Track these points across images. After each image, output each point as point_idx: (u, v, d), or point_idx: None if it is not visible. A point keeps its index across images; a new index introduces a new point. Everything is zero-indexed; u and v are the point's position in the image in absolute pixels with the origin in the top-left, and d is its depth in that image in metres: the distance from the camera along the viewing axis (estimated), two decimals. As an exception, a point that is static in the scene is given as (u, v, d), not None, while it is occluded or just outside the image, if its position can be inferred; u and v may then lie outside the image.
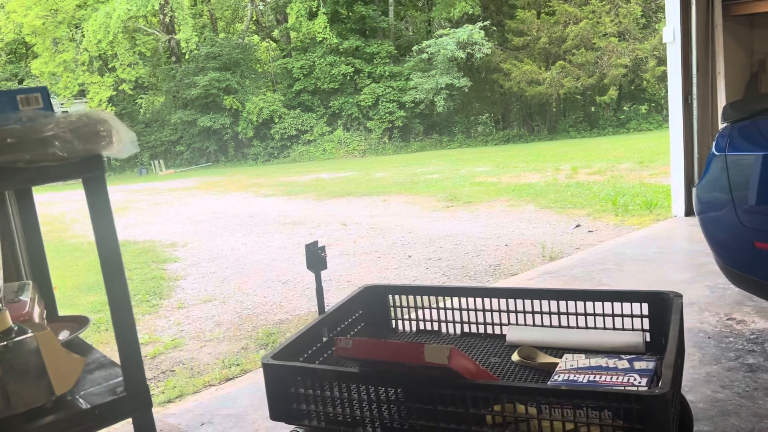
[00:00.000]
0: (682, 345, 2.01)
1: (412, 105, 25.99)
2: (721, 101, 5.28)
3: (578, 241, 5.53)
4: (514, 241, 5.80)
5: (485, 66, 25.37)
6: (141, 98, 30.21)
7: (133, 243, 7.99)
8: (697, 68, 5.28)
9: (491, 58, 24.80)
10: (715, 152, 2.77)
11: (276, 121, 27.48)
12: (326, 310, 2.31)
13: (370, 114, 26.85)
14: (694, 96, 5.27)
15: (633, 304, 2.16)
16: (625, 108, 25.97)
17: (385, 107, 26.41)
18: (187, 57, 28.54)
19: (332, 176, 14.28)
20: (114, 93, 28.72)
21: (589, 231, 5.90)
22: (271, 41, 31.14)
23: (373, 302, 2.46)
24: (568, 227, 6.18)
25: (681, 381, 1.93)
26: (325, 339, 2.18)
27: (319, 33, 26.67)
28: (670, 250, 4.63)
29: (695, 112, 5.30)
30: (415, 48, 26.04)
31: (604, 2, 22.85)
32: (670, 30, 5.24)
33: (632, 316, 2.17)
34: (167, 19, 29.18)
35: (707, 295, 3.59)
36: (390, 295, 2.47)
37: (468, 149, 23.29)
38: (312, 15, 27.26)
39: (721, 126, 2.80)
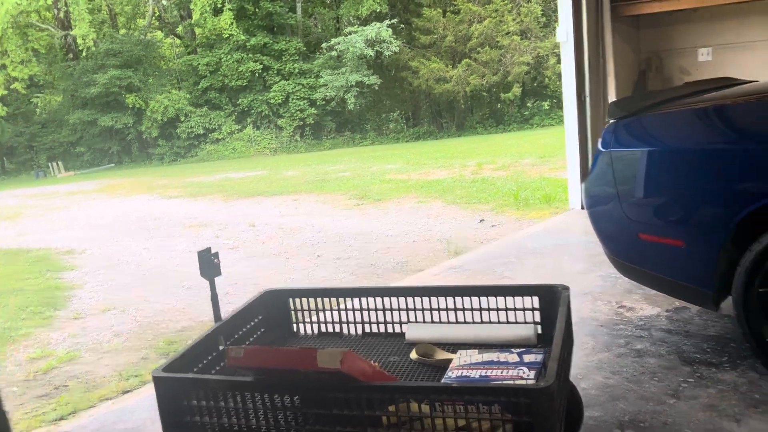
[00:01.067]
0: (570, 336, 2.09)
1: (323, 102, 25.89)
2: (612, 98, 5.55)
3: (482, 235, 5.67)
4: (422, 238, 5.88)
5: (394, 64, 25.63)
6: (36, 97, 28.57)
7: (27, 251, 7.55)
8: (589, 67, 5.52)
9: (400, 56, 25.07)
10: (601, 148, 2.90)
11: (182, 119, 26.68)
12: (224, 317, 2.26)
13: (281, 112, 26.53)
14: (587, 93, 5.51)
15: (525, 297, 2.23)
16: (528, 104, 26.87)
17: (295, 105, 26.17)
18: (84, 54, 27.20)
19: (241, 176, 14.01)
20: (5, 92, 27.00)
21: (492, 225, 6.07)
22: (175, 38, 30.19)
23: (273, 307, 2.42)
24: (473, 222, 6.33)
25: (569, 371, 2.00)
26: (221, 348, 2.12)
27: (225, 29, 26.08)
28: (567, 242, 4.83)
29: (588, 110, 5.55)
30: (324, 45, 25.94)
31: (506, 1, 23.56)
32: (563, 30, 5.45)
33: (524, 309, 2.23)
34: (62, 14, 27.71)
35: (600, 285, 3.75)
36: (290, 299, 2.44)
37: (380, 146, 23.45)
38: (217, 11, 26.63)
39: (607, 123, 2.94)
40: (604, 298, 3.58)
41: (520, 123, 25.35)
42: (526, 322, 2.23)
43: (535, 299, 2.22)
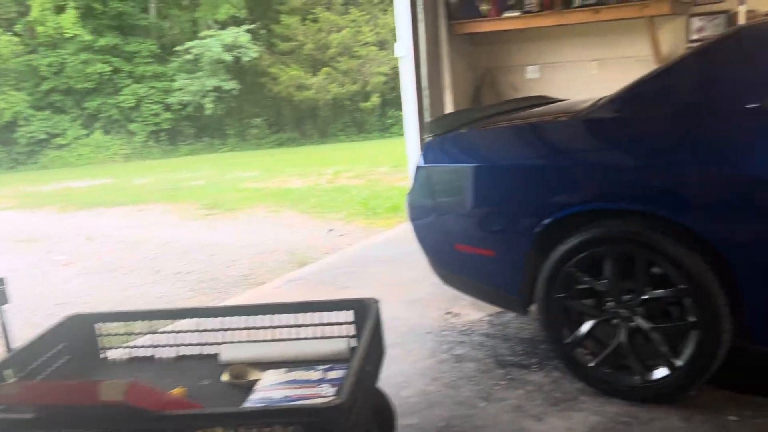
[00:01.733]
0: (379, 348, 2.15)
1: (180, 107, 24.91)
2: (450, 112, 5.80)
3: (329, 245, 5.72)
4: (269, 249, 5.82)
5: (254, 69, 25.21)
6: None
7: None
8: (428, 82, 5.73)
9: (259, 62, 24.72)
10: (420, 164, 3.02)
11: (21, 123, 24.59)
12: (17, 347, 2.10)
13: (133, 116, 25.19)
14: (426, 107, 5.72)
15: (340, 312, 2.27)
16: (389, 113, 27.45)
17: (149, 109, 24.96)
18: None
19: (85, 184, 13.14)
20: None
21: (341, 235, 6.13)
22: (13, 35, 27.80)
23: (79, 333, 2.28)
24: (323, 232, 6.37)
25: (374, 383, 2.05)
26: (13, 381, 1.97)
27: (68, 28, 24.38)
28: (407, 250, 4.94)
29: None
30: (179, 48, 25.00)
31: (363, 12, 23.97)
32: (402, 45, 5.63)
33: (340, 324, 2.27)
34: None
35: (431, 292, 3.88)
36: (98, 324, 2.32)
37: (240, 153, 22.94)
38: (59, 8, 24.84)
39: (427, 139, 3.07)
40: (434, 305, 3.72)
41: (381, 131, 25.83)
42: (341, 337, 2.27)
43: (350, 313, 2.26)
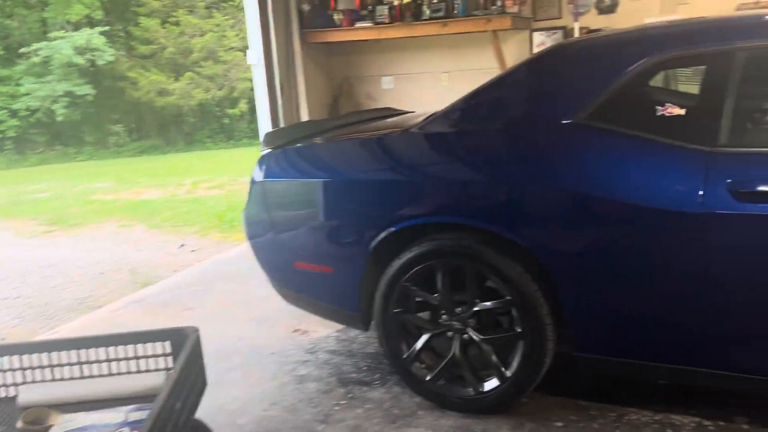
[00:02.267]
0: (198, 380, 2.01)
1: (27, 113, 23.03)
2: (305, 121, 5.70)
3: (179, 262, 5.43)
4: (113, 268, 5.43)
5: (111, 73, 23.83)
6: None
7: None
8: (281, 90, 5.61)
9: (116, 66, 23.39)
10: (254, 179, 2.90)
11: None
12: None
13: (-27, 123, 23.00)
14: (280, 116, 5.60)
15: (157, 343, 2.10)
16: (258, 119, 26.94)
17: (-9, 115, 22.89)
18: None
19: None
20: None
21: (193, 250, 5.85)
22: None
23: None
24: (174, 248, 6.05)
25: (189, 418, 1.91)
26: None
27: None
28: (258, 265, 4.82)
29: (282, 132, 5.62)
30: (25, 50, 23.13)
31: (227, 17, 23.36)
32: (254, 53, 5.47)
33: (156, 356, 2.10)
34: None
35: (281, 309, 3.72)
36: None
37: (98, 162, 21.54)
38: None
39: (264, 152, 2.95)
40: (283, 322, 3.60)
41: (251, 138, 25.25)
42: (158, 370, 2.11)
43: (167, 344, 2.10)
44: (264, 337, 3.44)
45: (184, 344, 1.99)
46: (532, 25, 5.69)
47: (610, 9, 5.42)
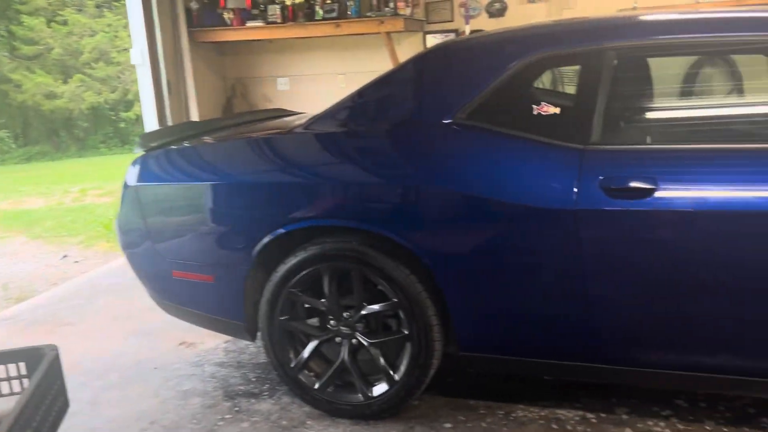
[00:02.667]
0: (56, 402, 1.84)
1: None
2: (196, 124, 5.49)
3: (60, 274, 5.08)
4: (-15, 283, 5.01)
5: (-8, 75, 22.26)
6: None
7: None
8: (169, 91, 5.37)
9: (-3, 67, 21.89)
10: (127, 183, 2.72)
11: None
12: None
13: None
14: (168, 118, 5.36)
15: (10, 365, 1.92)
16: (155, 123, 25.97)
17: None
18: None
19: None
20: None
21: (76, 261, 5.50)
22: None
23: None
24: (56, 259, 5.66)
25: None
26: None
27: None
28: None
29: (172, 135, 5.38)
30: None
31: (119, 16, 22.36)
32: (138, 52, 5.21)
33: (10, 378, 1.91)
34: None
35: (168, 321, 3.53)
36: None
37: (-22, 170, 20.07)
38: None
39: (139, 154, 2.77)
40: (169, 335, 3.41)
41: (147, 143, 24.30)
42: (13, 393, 1.92)
43: (22, 365, 1.92)
44: (147, 352, 3.25)
45: (40, 364, 1.82)
46: (425, 27, 5.74)
47: (500, 13, 5.55)
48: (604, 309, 2.13)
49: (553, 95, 2.52)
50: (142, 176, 2.71)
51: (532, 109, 2.23)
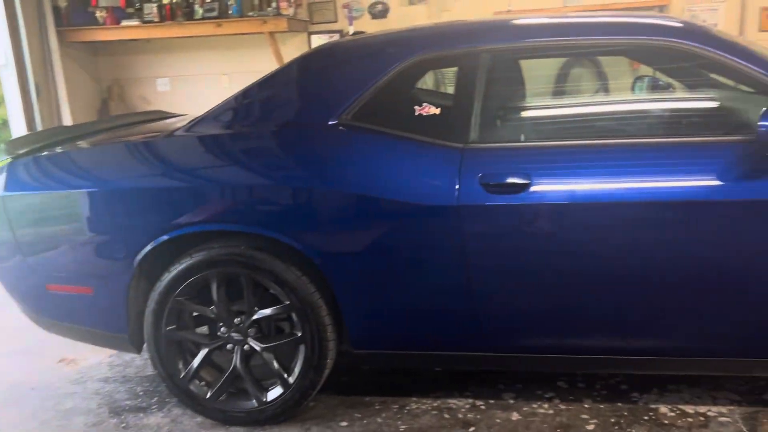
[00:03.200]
0: None
1: None
2: (69, 128, 5.19)
3: None
4: None
5: None
6: None
7: None
8: (38, 94, 5.05)
9: None
10: (-8, 193, 2.54)
11: None
12: None
13: None
14: (38, 122, 5.04)
15: None
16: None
17: None
18: None
19: None
20: None
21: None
22: None
23: None
24: None
25: None
26: None
27: None
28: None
29: (42, 140, 5.06)
30: None
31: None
32: (1, 53, 4.86)
33: None
34: None
35: (47, 338, 3.33)
36: None
37: None
38: None
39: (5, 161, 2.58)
40: (47, 353, 3.21)
41: (16, 148, 22.70)
42: None
43: None
44: (24, 372, 3.04)
45: None
46: (310, 27, 5.74)
47: (382, 14, 5.64)
48: (488, 299, 2.23)
49: (434, 96, 2.60)
50: (9, 185, 2.53)
51: (414, 109, 2.29)
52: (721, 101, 2.30)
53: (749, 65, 2.08)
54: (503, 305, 2.24)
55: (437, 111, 2.27)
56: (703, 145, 2.09)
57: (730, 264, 2.05)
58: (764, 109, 1.92)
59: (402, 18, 5.57)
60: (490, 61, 2.26)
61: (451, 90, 2.40)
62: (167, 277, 2.36)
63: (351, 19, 5.46)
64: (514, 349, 2.31)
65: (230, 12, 5.28)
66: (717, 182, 2.01)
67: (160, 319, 2.40)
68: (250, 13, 5.25)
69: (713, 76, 2.26)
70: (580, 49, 2.31)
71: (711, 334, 2.16)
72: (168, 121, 3.14)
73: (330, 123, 2.31)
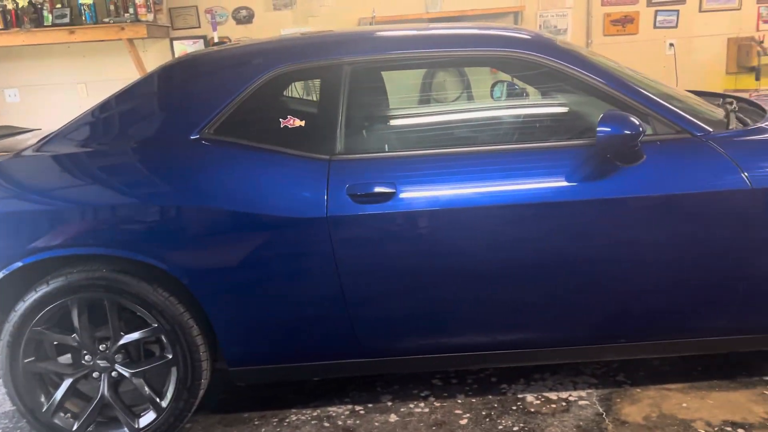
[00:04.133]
0: None
1: None
2: None
3: None
4: None
5: None
6: None
7: None
8: None
9: None
10: None
11: None
12: None
13: None
14: None
15: None
16: None
17: None
18: None
19: None
20: None
21: None
22: None
23: None
24: None
25: None
26: None
27: None
28: None
29: None
30: None
31: None
32: None
33: None
34: None
35: None
36: None
37: None
38: None
39: None
40: None
41: None
42: None
43: None
44: None
45: None
46: (171, 33, 5.56)
47: (247, 20, 5.57)
48: (362, 307, 2.27)
49: (300, 108, 2.61)
50: None
51: (279, 122, 2.29)
52: (570, 108, 2.49)
53: (589, 74, 2.26)
54: (376, 312, 2.29)
55: (302, 123, 2.29)
56: (552, 150, 2.25)
57: (580, 259, 2.22)
58: (602, 115, 2.09)
59: (267, 24, 5.53)
60: (353, 72, 2.30)
61: (315, 102, 2.42)
62: (22, 307, 2.22)
63: (215, 25, 5.35)
64: (389, 353, 2.37)
65: (84, 18, 4.99)
66: (565, 184, 2.17)
67: (17, 351, 2.25)
68: (106, 20, 5.00)
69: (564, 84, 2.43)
70: (439, 60, 2.40)
71: (567, 324, 2.33)
72: (18, 137, 2.93)
73: (192, 138, 2.26)
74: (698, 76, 5.96)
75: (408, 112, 2.61)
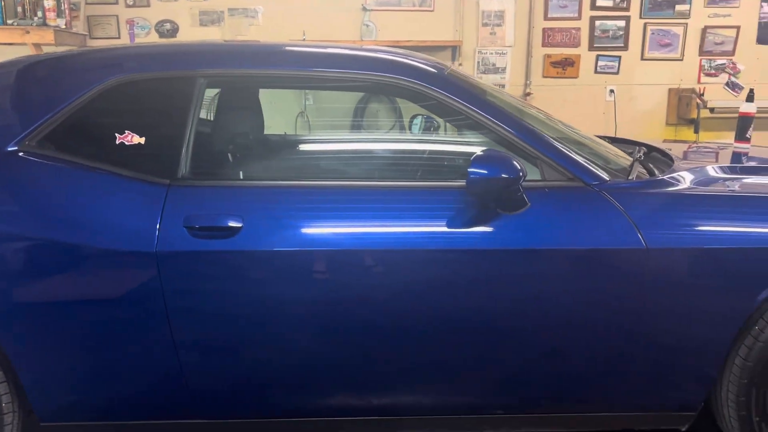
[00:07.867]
0: None
1: None
2: None
3: None
4: None
5: None
6: None
7: None
8: None
9: None
10: None
11: None
12: None
13: None
14: None
15: None
16: None
17: None
18: None
19: None
20: None
21: None
22: None
23: None
24: None
25: None
26: None
27: None
28: None
29: None
30: None
31: None
32: None
33: None
34: None
35: None
36: None
37: None
38: None
39: None
40: None
41: None
42: None
43: None
44: None
45: None
46: (89, 42, 5.21)
47: (171, 34, 5.26)
48: (195, 361, 1.93)
49: (141, 124, 2.27)
50: None
51: (115, 138, 1.97)
52: (460, 145, 2.23)
53: (474, 108, 2.00)
54: (213, 368, 1.96)
55: (141, 140, 1.97)
56: (430, 190, 1.97)
57: (447, 314, 1.92)
58: (475, 154, 1.82)
59: (192, 39, 5.22)
60: (206, 88, 2.00)
61: (159, 118, 2.09)
62: None
63: (133, 37, 5.02)
64: (228, 414, 2.03)
65: (-13, 18, 4.62)
66: (436, 229, 1.89)
67: None
68: (10, 21, 4.63)
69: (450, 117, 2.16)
70: (306, 82, 2.11)
71: (433, 388, 2.03)
72: None
73: (9, 149, 1.92)
74: (638, 124, 5.83)
75: (279, 139, 2.30)
